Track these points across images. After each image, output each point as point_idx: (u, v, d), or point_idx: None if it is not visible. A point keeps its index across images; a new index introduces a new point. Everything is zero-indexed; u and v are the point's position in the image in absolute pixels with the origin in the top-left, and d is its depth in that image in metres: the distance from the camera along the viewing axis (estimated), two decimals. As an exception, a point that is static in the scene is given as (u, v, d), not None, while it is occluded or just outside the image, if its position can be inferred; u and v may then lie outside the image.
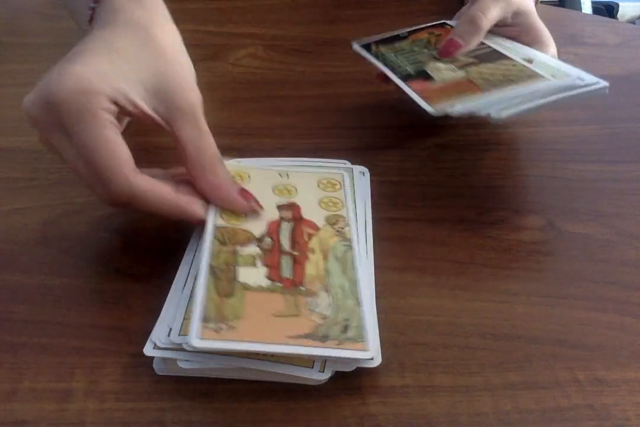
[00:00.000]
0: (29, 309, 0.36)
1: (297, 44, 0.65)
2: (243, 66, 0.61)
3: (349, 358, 0.31)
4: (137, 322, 0.35)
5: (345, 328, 0.32)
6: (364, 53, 0.53)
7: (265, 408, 0.31)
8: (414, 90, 0.47)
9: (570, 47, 0.63)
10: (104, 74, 0.35)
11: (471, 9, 0.50)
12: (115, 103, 0.35)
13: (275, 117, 0.53)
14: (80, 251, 0.40)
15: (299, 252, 0.37)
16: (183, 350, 0.31)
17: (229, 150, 0.48)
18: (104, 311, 0.36)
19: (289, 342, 0.31)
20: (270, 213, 0.39)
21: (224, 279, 0.34)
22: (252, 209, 0.38)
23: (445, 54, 0.50)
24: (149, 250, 0.40)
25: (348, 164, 0.45)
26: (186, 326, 0.32)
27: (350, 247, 0.37)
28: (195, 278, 0.34)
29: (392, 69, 0.50)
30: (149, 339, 0.32)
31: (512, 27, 0.51)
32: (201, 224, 0.37)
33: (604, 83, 0.43)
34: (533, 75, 0.45)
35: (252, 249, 0.36)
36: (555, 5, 1.29)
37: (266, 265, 0.36)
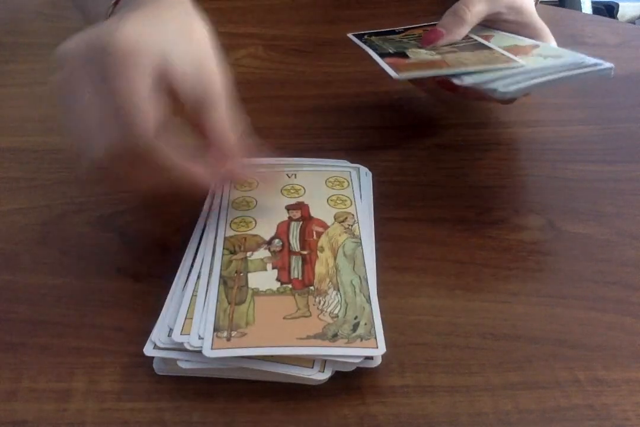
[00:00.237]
0: (29, 309, 0.36)
1: (297, 44, 0.65)
2: (243, 66, 0.61)
3: (359, 356, 0.31)
4: (137, 322, 0.35)
5: (355, 326, 0.32)
6: (355, 40, 0.53)
7: (265, 408, 0.31)
8: (386, 62, 0.47)
9: (570, 47, 0.63)
10: (158, 38, 0.35)
11: (456, 3, 0.50)
12: (159, 67, 0.34)
13: (275, 117, 0.53)
14: (80, 251, 0.40)
15: (309, 251, 0.37)
16: (183, 350, 0.31)
17: (229, 150, 0.48)
18: (104, 311, 0.36)
19: (298, 344, 0.31)
20: (279, 214, 0.40)
21: (234, 287, 0.34)
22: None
23: (427, 41, 0.50)
24: (149, 250, 0.40)
25: (348, 164, 0.45)
26: (187, 325, 0.32)
27: (359, 244, 0.38)
28: (207, 289, 0.34)
29: (374, 49, 0.50)
30: (149, 339, 0.32)
31: (509, 24, 0.52)
32: (202, 191, 0.38)
33: (609, 64, 0.43)
34: (509, 60, 0.45)
35: (262, 253, 0.37)
36: (555, 5, 1.29)
37: (276, 267, 0.36)
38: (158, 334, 0.32)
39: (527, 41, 0.49)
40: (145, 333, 0.33)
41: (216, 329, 0.32)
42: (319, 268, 0.36)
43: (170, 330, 0.32)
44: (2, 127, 0.52)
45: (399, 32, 0.54)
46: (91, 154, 0.35)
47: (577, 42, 0.65)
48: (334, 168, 0.45)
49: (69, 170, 0.47)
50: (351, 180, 0.43)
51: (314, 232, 0.38)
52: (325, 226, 0.39)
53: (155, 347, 0.32)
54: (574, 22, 0.71)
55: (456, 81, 0.44)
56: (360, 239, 0.38)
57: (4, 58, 0.63)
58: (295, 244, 0.37)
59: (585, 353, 0.34)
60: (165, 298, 0.35)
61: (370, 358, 0.32)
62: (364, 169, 0.45)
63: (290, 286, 0.35)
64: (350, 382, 0.32)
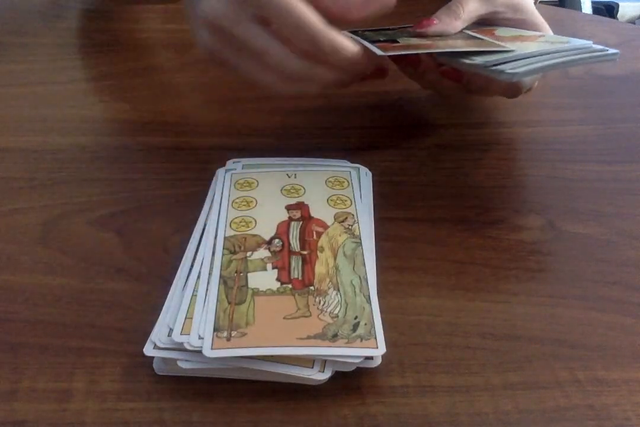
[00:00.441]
0: (29, 309, 0.36)
1: (297, 44, 0.65)
2: (243, 66, 0.61)
3: (359, 356, 0.31)
4: (137, 322, 0.35)
5: (355, 326, 0.32)
6: (348, 35, 0.53)
7: (265, 408, 0.31)
8: (375, 45, 0.47)
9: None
10: None
11: (451, 1, 0.50)
12: None
13: (275, 117, 0.53)
14: (80, 251, 0.40)
15: (309, 251, 0.37)
16: (183, 350, 0.31)
17: (229, 150, 0.48)
18: (104, 311, 0.36)
19: (298, 344, 0.31)
20: (280, 214, 0.40)
21: (234, 287, 0.34)
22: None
23: (419, 26, 0.50)
24: (149, 250, 0.40)
25: (348, 164, 0.45)
26: (187, 325, 0.32)
27: (359, 244, 0.38)
28: (207, 289, 0.34)
29: (365, 39, 0.50)
30: (149, 339, 0.32)
31: (509, 22, 0.51)
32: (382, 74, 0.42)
33: (614, 50, 0.43)
34: (499, 46, 0.45)
35: (262, 253, 0.37)
36: (555, 5, 1.29)
37: (276, 267, 0.36)
38: (158, 334, 0.32)
39: (531, 32, 0.49)
40: (145, 333, 0.33)
41: (216, 329, 0.32)
42: (319, 268, 0.36)
43: (170, 330, 0.32)
44: (2, 127, 0.52)
45: (393, 29, 0.54)
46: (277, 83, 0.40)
47: (577, 42, 0.65)
48: (334, 168, 0.45)
49: (69, 170, 0.47)
50: (351, 180, 0.43)
51: (314, 232, 0.38)
52: (325, 226, 0.39)
53: (155, 347, 0.32)
54: (574, 22, 0.71)
55: (466, 61, 0.44)
56: (360, 239, 0.38)
57: (4, 58, 0.63)
58: (295, 244, 0.37)
59: (585, 353, 0.34)
60: (165, 298, 0.35)
61: (370, 358, 0.32)
62: (364, 169, 0.45)
63: (290, 286, 0.35)
64: (350, 382, 0.32)
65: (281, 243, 0.37)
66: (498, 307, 0.37)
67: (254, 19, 0.38)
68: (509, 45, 0.45)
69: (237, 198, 0.41)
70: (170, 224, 0.42)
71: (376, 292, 0.35)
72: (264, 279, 0.35)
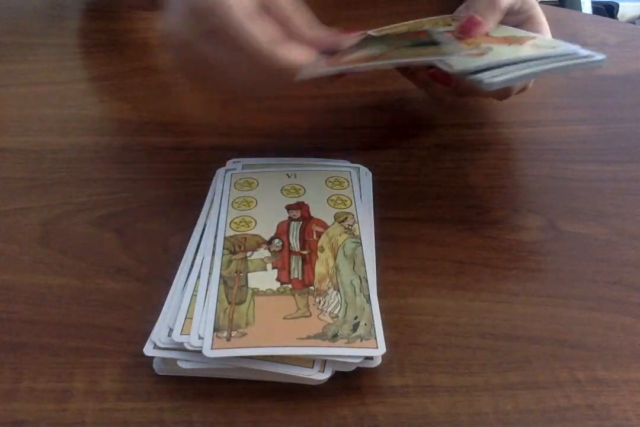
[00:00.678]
0: (29, 309, 0.36)
1: (297, 44, 0.65)
2: (243, 66, 0.61)
3: (359, 356, 0.31)
4: (137, 322, 0.35)
5: (355, 326, 0.32)
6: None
7: (265, 408, 0.31)
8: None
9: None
10: None
11: None
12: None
13: (275, 117, 0.53)
14: (80, 251, 0.40)
15: (309, 251, 0.37)
16: (183, 350, 0.31)
17: (229, 150, 0.48)
18: (104, 311, 0.36)
19: (298, 344, 0.31)
20: (280, 214, 0.40)
21: (234, 287, 0.34)
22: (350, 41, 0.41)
23: (465, 31, 0.47)
24: (149, 250, 0.40)
25: (348, 164, 0.45)
26: (187, 325, 0.32)
27: (359, 244, 0.38)
28: (207, 289, 0.34)
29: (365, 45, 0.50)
30: (149, 339, 0.32)
31: (516, 16, 0.51)
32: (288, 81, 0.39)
33: (601, 56, 0.43)
34: (441, 56, 0.45)
35: (262, 253, 0.37)
36: (555, 5, 1.29)
37: (276, 267, 0.36)
38: (158, 334, 0.32)
39: (524, 33, 0.49)
40: (145, 333, 0.33)
41: (216, 329, 0.32)
42: (319, 268, 0.36)
43: (171, 330, 0.32)
44: (2, 127, 0.52)
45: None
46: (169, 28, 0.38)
47: (577, 42, 0.65)
48: (334, 168, 0.45)
49: (69, 170, 0.47)
50: (351, 180, 0.43)
51: (314, 232, 0.38)
52: (325, 226, 0.39)
53: (156, 347, 0.32)
54: (574, 22, 0.71)
55: (443, 66, 0.43)
56: (360, 239, 0.38)
57: (4, 58, 0.63)
58: (295, 244, 0.37)
59: (585, 353, 0.34)
60: (165, 298, 0.35)
61: (370, 358, 0.32)
62: (364, 169, 0.45)
63: (290, 285, 0.35)
64: (350, 382, 0.32)
65: (281, 243, 0.37)
66: (498, 307, 0.37)
67: (209, 34, 0.37)
68: (493, 50, 0.44)
69: (237, 198, 0.41)
70: (170, 224, 0.42)
71: (376, 292, 0.35)
72: (264, 279, 0.35)
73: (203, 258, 0.37)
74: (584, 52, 0.44)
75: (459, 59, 0.43)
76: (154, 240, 0.41)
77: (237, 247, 0.37)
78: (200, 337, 0.31)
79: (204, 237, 0.38)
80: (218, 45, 0.37)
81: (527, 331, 0.35)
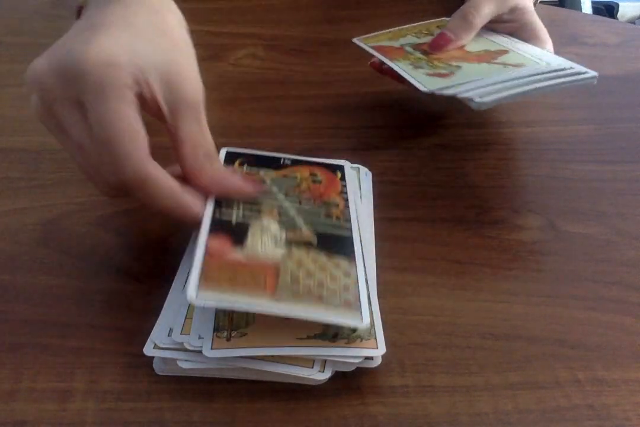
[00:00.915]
0: (29, 309, 0.36)
1: (297, 44, 0.65)
2: (243, 66, 0.61)
3: (359, 356, 0.31)
4: (137, 322, 0.35)
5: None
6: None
7: (265, 408, 0.31)
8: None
9: (570, 47, 0.63)
10: (131, 51, 0.33)
11: (464, 6, 0.50)
12: (137, 83, 0.33)
13: (275, 117, 0.53)
14: (80, 251, 0.40)
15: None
16: (183, 350, 0.31)
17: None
18: (103, 311, 0.36)
19: (298, 344, 0.31)
20: None
21: None
22: (258, 192, 0.38)
23: (436, 47, 0.50)
24: (149, 250, 0.40)
25: (348, 164, 0.45)
26: (187, 325, 0.32)
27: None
28: None
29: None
30: (149, 339, 0.32)
31: (508, 24, 0.52)
32: (196, 225, 0.37)
33: (593, 73, 0.43)
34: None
35: None
36: (555, 5, 1.29)
37: None
38: (158, 334, 0.32)
39: (498, 46, 0.49)
40: (145, 333, 0.33)
41: (216, 329, 0.32)
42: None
43: (171, 330, 0.32)
44: (2, 127, 0.52)
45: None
46: (97, 187, 0.36)
47: (577, 42, 0.65)
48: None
49: (69, 170, 0.47)
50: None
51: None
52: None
53: (156, 347, 0.32)
54: (574, 22, 0.71)
55: (415, 84, 0.44)
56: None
57: (4, 58, 0.63)
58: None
59: (585, 353, 0.34)
60: (165, 298, 0.35)
61: (370, 358, 0.32)
62: (363, 169, 0.45)
63: None
64: (350, 382, 0.32)
65: None
66: (498, 307, 0.37)
67: (72, 101, 0.33)
68: (462, 69, 0.46)
69: None
70: (170, 224, 0.42)
71: (376, 292, 0.35)
72: None
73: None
74: (574, 68, 0.44)
75: (426, 79, 0.45)
76: (154, 240, 0.41)
77: None
78: (200, 337, 0.31)
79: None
80: (77, 116, 0.33)
81: (527, 331, 0.35)
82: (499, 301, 0.37)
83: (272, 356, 0.31)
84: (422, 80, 0.45)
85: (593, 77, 0.43)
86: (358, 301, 0.32)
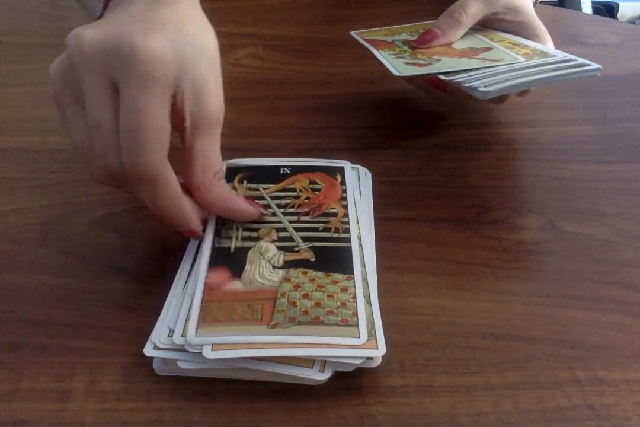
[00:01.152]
0: (29, 309, 0.36)
1: (297, 44, 0.65)
2: (243, 66, 0.61)
3: (359, 357, 0.31)
4: (137, 322, 0.35)
5: None
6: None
7: (265, 408, 0.31)
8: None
9: (570, 47, 0.63)
10: (181, 57, 0.33)
11: (454, 4, 0.51)
12: (177, 87, 0.33)
13: (275, 117, 0.53)
14: (80, 251, 0.40)
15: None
16: (183, 350, 0.31)
17: (229, 150, 0.48)
18: (103, 311, 0.36)
19: (298, 345, 0.31)
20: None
21: None
22: (261, 215, 0.38)
23: (422, 42, 0.51)
24: (149, 250, 0.40)
25: (348, 164, 0.45)
26: (187, 327, 0.32)
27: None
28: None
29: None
30: (149, 339, 0.32)
31: (507, 23, 0.52)
32: (192, 236, 0.37)
33: (596, 65, 0.43)
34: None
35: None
36: (555, 5, 1.29)
37: None
38: (158, 335, 0.32)
39: (485, 43, 0.50)
40: (145, 333, 0.33)
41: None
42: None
43: (171, 331, 0.32)
44: (2, 127, 0.52)
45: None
46: (91, 170, 0.35)
47: (577, 42, 0.65)
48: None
49: (69, 170, 0.47)
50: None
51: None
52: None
53: (155, 347, 0.32)
54: (574, 22, 0.71)
55: (441, 76, 0.45)
56: (360, 239, 0.38)
57: (4, 58, 0.63)
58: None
59: (585, 353, 0.34)
60: (165, 298, 0.35)
61: (371, 358, 0.32)
62: (363, 169, 0.45)
63: None
64: (350, 382, 0.32)
65: None
66: (498, 307, 0.37)
67: (108, 77, 0.33)
68: (441, 61, 0.47)
69: None
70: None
71: (376, 292, 0.35)
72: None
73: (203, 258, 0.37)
74: (578, 60, 0.44)
75: (402, 66, 0.47)
76: (154, 240, 0.41)
77: None
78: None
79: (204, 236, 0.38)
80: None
81: (527, 330, 0.35)
82: (499, 301, 0.37)
83: (272, 357, 0.31)
84: (397, 66, 0.47)
85: (597, 69, 0.43)
86: (355, 316, 0.32)
